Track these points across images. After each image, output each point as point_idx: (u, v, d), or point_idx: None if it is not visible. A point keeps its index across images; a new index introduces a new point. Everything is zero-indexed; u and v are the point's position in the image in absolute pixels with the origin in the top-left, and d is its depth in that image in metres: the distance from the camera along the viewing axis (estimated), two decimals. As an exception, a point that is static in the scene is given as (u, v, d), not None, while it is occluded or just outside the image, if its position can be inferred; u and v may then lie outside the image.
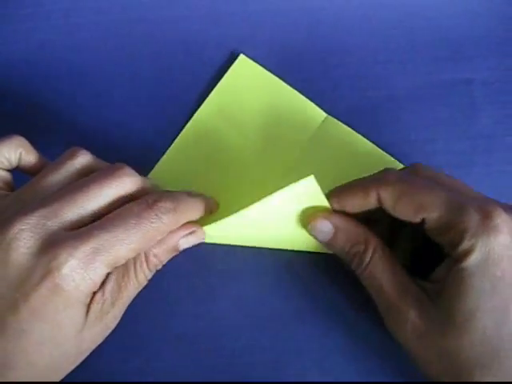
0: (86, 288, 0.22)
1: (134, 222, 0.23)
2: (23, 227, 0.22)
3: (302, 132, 0.32)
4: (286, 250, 0.30)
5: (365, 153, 0.32)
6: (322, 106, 0.33)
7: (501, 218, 0.23)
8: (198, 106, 0.33)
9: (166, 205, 0.24)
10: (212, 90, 0.33)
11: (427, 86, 0.34)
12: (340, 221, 0.26)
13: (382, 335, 0.28)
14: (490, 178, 0.32)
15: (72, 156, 0.25)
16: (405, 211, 0.25)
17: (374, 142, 0.32)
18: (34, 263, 0.21)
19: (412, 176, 0.26)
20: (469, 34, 0.34)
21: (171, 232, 0.25)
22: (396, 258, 0.26)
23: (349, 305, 0.29)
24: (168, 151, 0.32)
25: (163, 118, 0.33)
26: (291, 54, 0.34)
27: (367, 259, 0.26)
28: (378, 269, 0.25)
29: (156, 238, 0.24)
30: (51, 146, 0.32)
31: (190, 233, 0.26)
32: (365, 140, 0.32)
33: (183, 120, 0.33)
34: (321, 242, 0.27)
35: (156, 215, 0.23)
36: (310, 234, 0.27)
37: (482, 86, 0.33)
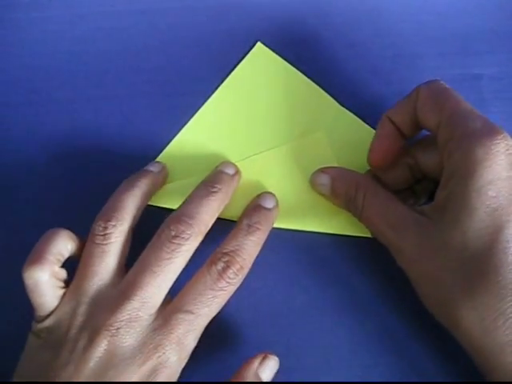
0: (182, 366, 0.24)
1: (211, 296, 0.24)
2: (119, 325, 0.23)
3: (315, 122, 0.32)
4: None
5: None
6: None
7: (502, 140, 0.22)
8: (211, 94, 0.32)
9: (234, 268, 0.24)
10: (225, 78, 0.32)
11: (435, 81, 0.33)
12: (335, 171, 0.28)
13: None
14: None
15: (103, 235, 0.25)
16: (428, 111, 0.25)
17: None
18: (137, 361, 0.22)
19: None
20: (478, 30, 0.34)
21: (244, 371, 0.24)
22: (391, 194, 0.26)
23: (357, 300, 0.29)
24: (177, 137, 0.31)
25: (172, 110, 0.32)
26: (303, 46, 0.34)
27: (360, 203, 0.26)
28: (372, 211, 0.26)
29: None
30: (52, 139, 0.32)
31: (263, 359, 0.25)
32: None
33: (193, 111, 0.32)
34: (327, 196, 0.28)
35: (228, 282, 0.24)
36: (314, 189, 0.29)
37: (490, 81, 0.33)
